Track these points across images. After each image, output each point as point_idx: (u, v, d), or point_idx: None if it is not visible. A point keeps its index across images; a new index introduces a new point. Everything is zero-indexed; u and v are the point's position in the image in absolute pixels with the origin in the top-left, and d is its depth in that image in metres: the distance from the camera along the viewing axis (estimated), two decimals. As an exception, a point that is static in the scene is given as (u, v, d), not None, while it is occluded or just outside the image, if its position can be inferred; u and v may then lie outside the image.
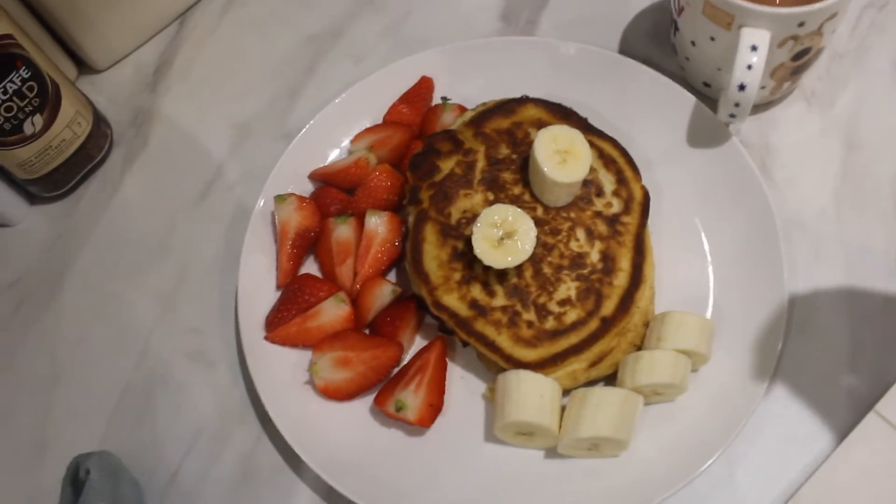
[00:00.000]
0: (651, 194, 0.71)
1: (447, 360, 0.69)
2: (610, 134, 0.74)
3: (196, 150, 0.83)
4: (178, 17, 0.90)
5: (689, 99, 0.75)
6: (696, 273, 0.71)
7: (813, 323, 0.70)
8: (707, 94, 0.78)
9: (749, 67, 0.68)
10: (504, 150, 0.71)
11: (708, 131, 0.74)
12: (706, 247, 0.72)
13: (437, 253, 0.68)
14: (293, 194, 0.73)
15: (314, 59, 0.86)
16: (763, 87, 0.75)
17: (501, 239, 0.64)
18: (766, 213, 0.70)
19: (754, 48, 0.68)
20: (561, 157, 0.66)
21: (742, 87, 0.68)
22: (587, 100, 0.77)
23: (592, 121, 0.74)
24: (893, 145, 0.76)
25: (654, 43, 0.82)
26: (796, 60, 0.72)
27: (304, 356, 0.70)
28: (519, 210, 0.65)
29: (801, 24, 0.68)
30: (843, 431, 0.66)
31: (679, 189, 0.74)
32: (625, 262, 0.68)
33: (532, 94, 0.75)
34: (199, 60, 0.88)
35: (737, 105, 0.70)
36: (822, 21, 0.69)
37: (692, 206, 0.73)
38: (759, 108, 0.79)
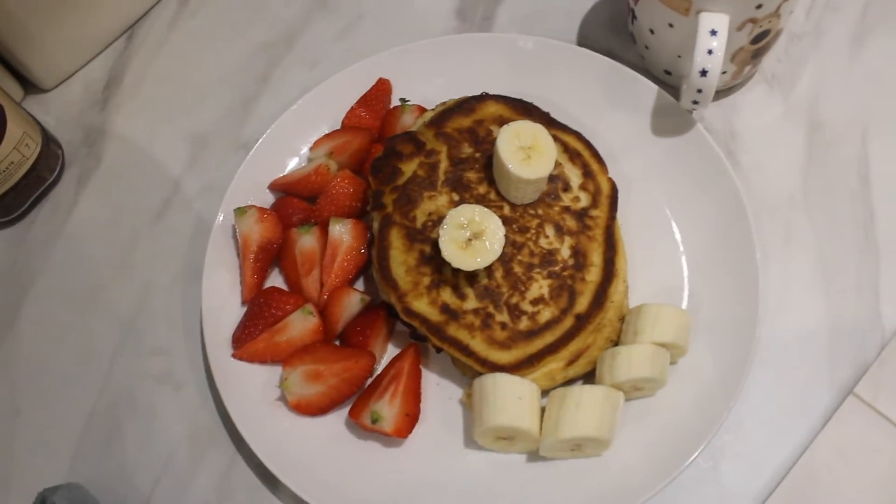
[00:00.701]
0: (618, 186, 0.70)
1: (421, 367, 0.68)
2: (573, 127, 0.72)
3: (151, 166, 0.81)
4: (125, 32, 0.88)
5: (651, 88, 0.74)
6: (669, 264, 0.70)
7: (788, 307, 0.69)
8: (668, 82, 0.77)
9: (710, 52, 0.67)
10: (467, 150, 0.69)
11: (671, 119, 0.73)
12: (677, 236, 0.71)
13: (405, 258, 0.66)
14: (253, 206, 0.71)
15: (268, 66, 0.84)
16: (724, 73, 0.74)
17: (469, 240, 0.63)
18: (736, 198, 0.69)
19: (714, 32, 0.67)
20: (525, 154, 0.65)
21: (704, 73, 0.67)
22: (548, 94, 0.75)
23: (554, 115, 0.73)
24: (856, 124, 0.76)
25: (613, 33, 0.81)
26: (756, 43, 0.72)
27: (275, 372, 0.68)
28: (486, 210, 0.63)
29: (759, 7, 0.67)
30: (826, 414, 0.66)
31: (646, 179, 0.73)
32: (596, 257, 0.66)
33: (492, 91, 0.74)
34: (149, 75, 0.86)
35: (699, 91, 0.69)
36: (780, 2, 0.68)
37: (660, 196, 0.72)
38: (720, 93, 0.78)
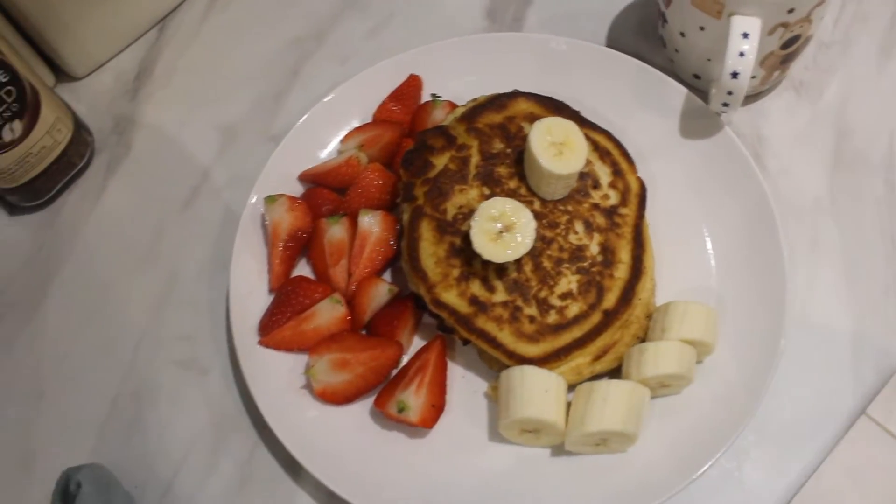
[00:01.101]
0: (649, 185, 0.70)
1: (447, 359, 0.68)
2: (607, 126, 0.73)
3: (181, 155, 0.81)
4: (157, 24, 0.89)
5: (680, 90, 0.75)
6: (696, 264, 0.70)
7: (814, 312, 0.69)
8: (697, 86, 0.78)
9: (741, 55, 0.68)
10: (498, 145, 0.70)
11: (700, 122, 0.74)
12: (705, 237, 0.71)
13: (434, 250, 0.66)
14: (284, 195, 0.72)
15: (298, 61, 0.85)
16: (753, 77, 0.75)
17: (500, 232, 0.63)
18: (764, 201, 0.69)
19: (745, 35, 0.68)
20: (557, 149, 0.65)
21: (735, 75, 0.68)
22: (578, 94, 0.76)
23: (584, 114, 0.73)
24: (883, 131, 0.77)
25: (642, 37, 0.82)
26: (786, 49, 0.72)
27: (300, 360, 0.68)
28: (517, 203, 0.64)
29: (791, 11, 0.68)
30: (850, 420, 0.66)
31: (674, 181, 0.73)
32: (624, 254, 0.67)
33: (522, 90, 0.74)
34: (180, 66, 0.86)
35: (729, 93, 0.69)
36: (812, 7, 0.69)
37: (688, 197, 0.73)
38: (748, 98, 0.78)
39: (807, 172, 0.75)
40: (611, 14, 0.84)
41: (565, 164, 0.65)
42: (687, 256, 0.71)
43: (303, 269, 0.73)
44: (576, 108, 0.73)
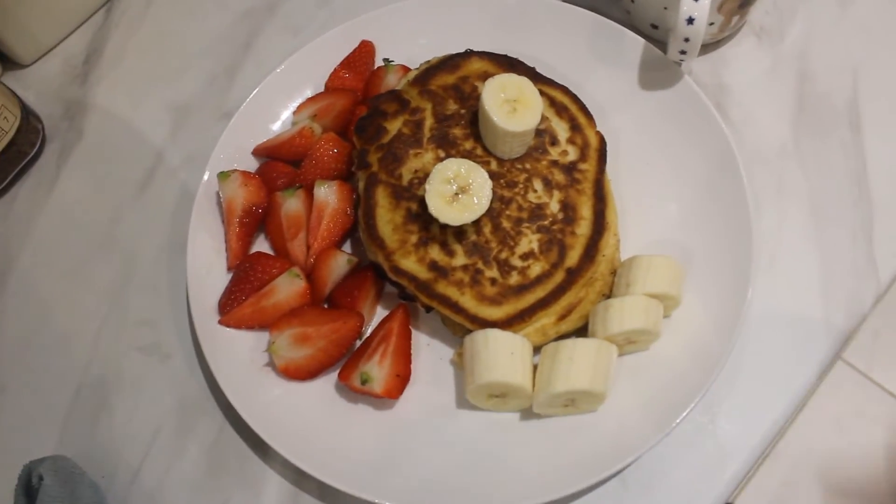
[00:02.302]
0: (607, 141, 0.69)
1: (411, 327, 0.66)
2: (565, 81, 0.71)
3: (134, 137, 0.80)
4: (104, 4, 0.87)
5: (637, 41, 0.73)
6: (661, 216, 0.69)
7: (782, 258, 0.68)
8: (655, 37, 0.76)
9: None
10: (452, 106, 0.68)
11: (659, 73, 0.72)
12: (669, 189, 0.70)
13: (391, 216, 0.65)
14: (237, 170, 0.70)
15: (251, 34, 0.83)
16: (712, 24, 0.73)
17: (456, 194, 0.62)
18: (727, 149, 0.68)
19: None
20: (511, 106, 0.64)
21: (691, 21, 0.66)
22: (534, 51, 0.74)
23: (540, 71, 0.71)
24: (846, 74, 0.75)
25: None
26: (742, -7, 0.70)
27: (263, 338, 0.67)
28: (472, 163, 0.62)
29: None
30: (822, 366, 0.65)
31: (635, 133, 0.72)
32: (586, 210, 0.65)
33: (477, 49, 0.73)
34: (130, 47, 0.84)
35: (686, 40, 0.67)
36: (767, -52, 0.67)
37: (650, 149, 0.71)
38: (709, 46, 0.77)
39: (770, 119, 0.73)
40: (566, -32, 0.82)
41: (520, 121, 0.64)
42: (651, 209, 0.69)
43: (262, 245, 0.72)
44: (532, 64, 0.72)
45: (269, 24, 0.83)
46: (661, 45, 0.74)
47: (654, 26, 0.76)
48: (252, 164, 0.73)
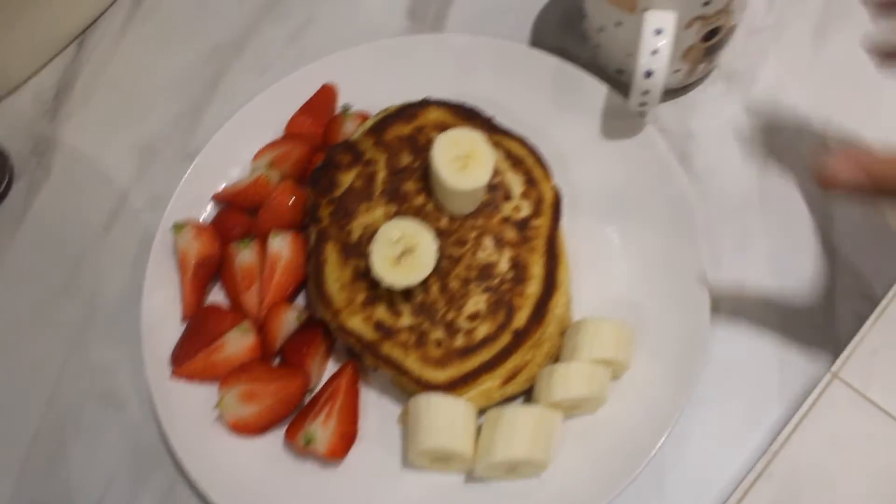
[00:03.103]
0: (566, 191, 0.68)
1: (360, 385, 0.66)
2: (522, 130, 0.70)
3: (100, 176, 0.80)
4: (76, 38, 0.87)
5: (601, 89, 0.72)
6: (616, 273, 0.68)
7: (740, 317, 0.67)
8: (622, 81, 0.74)
9: (654, 53, 0.64)
10: (406, 158, 0.67)
11: (622, 122, 0.71)
12: (626, 244, 0.68)
13: (340, 274, 0.64)
14: (190, 222, 0.70)
15: (217, 72, 0.83)
16: (677, 71, 0.72)
17: (400, 256, 0.61)
18: (685, 206, 0.67)
19: (659, 31, 0.65)
20: (461, 163, 0.63)
21: (649, 74, 0.65)
22: (496, 96, 0.73)
23: (502, 117, 0.71)
24: (815, 122, 0.73)
25: (567, 31, 0.79)
26: (707, 41, 0.69)
27: (216, 391, 0.66)
28: (417, 224, 0.61)
29: (707, 4, 0.65)
30: (775, 429, 0.63)
31: (596, 184, 0.71)
32: (537, 269, 0.64)
33: (441, 94, 0.72)
34: (100, 82, 0.84)
35: (646, 93, 0.66)
36: (729, -1, 0.65)
37: (610, 202, 0.70)
38: (676, 92, 0.75)
39: (736, 169, 0.72)
40: (535, 8, 0.81)
41: (470, 179, 0.63)
42: (607, 265, 0.68)
43: (218, 293, 0.71)
44: (495, 110, 0.71)
45: (236, 63, 0.83)
46: (627, 90, 0.72)
47: (620, 71, 0.74)
48: (212, 210, 0.73)
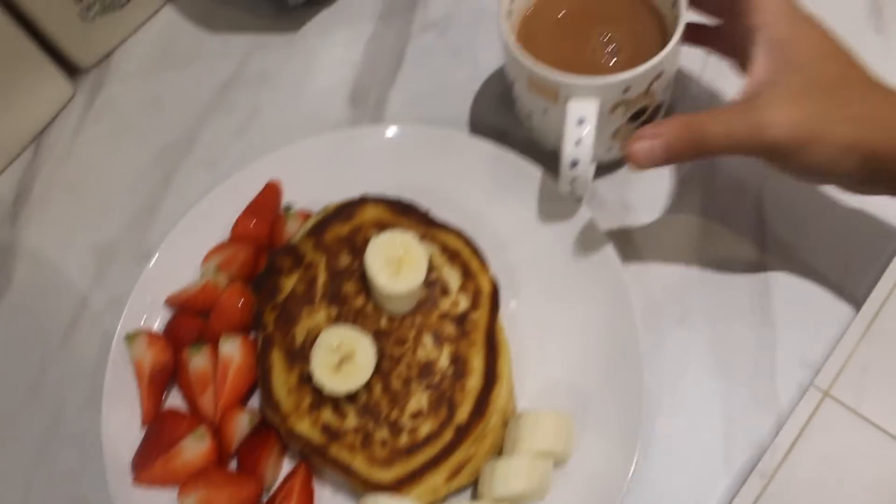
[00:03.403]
0: (506, 278, 0.69)
1: (314, 484, 0.67)
2: (461, 217, 0.72)
3: (61, 281, 0.82)
4: (32, 141, 0.88)
5: (535, 174, 0.73)
6: (557, 358, 0.69)
7: (682, 392, 0.68)
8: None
9: (578, 143, 0.66)
10: (345, 260, 0.69)
11: (558, 205, 0.72)
12: (565, 329, 0.69)
13: (286, 379, 0.66)
14: (142, 332, 0.71)
15: (169, 170, 0.84)
16: (610, 149, 0.73)
17: (340, 363, 0.62)
18: (621, 288, 0.68)
19: (582, 121, 0.66)
20: (394, 267, 0.64)
21: (575, 164, 0.66)
22: (435, 184, 0.75)
23: (442, 205, 0.72)
24: (751, 189, 0.74)
25: (506, 109, 0.80)
26: (634, 121, 0.70)
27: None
28: (355, 330, 0.63)
29: (627, 90, 0.66)
30: (722, 502, 0.64)
31: (534, 269, 0.72)
32: (477, 362, 0.66)
33: (382, 184, 0.74)
34: (57, 185, 0.86)
35: (574, 180, 0.67)
36: (650, 82, 0.66)
37: (548, 286, 0.71)
38: (613, 166, 0.76)
39: (675, 241, 0.73)
40: (474, 87, 0.82)
41: (404, 282, 0.65)
42: (548, 351, 0.69)
43: (177, 397, 0.73)
44: (434, 198, 0.73)
45: (186, 159, 0.84)
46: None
47: (554, 152, 0.75)
48: (168, 313, 0.75)
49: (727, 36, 0.67)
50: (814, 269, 0.70)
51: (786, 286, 0.70)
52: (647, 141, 0.60)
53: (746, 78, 0.61)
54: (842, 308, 0.69)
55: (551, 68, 0.65)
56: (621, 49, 0.70)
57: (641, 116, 0.70)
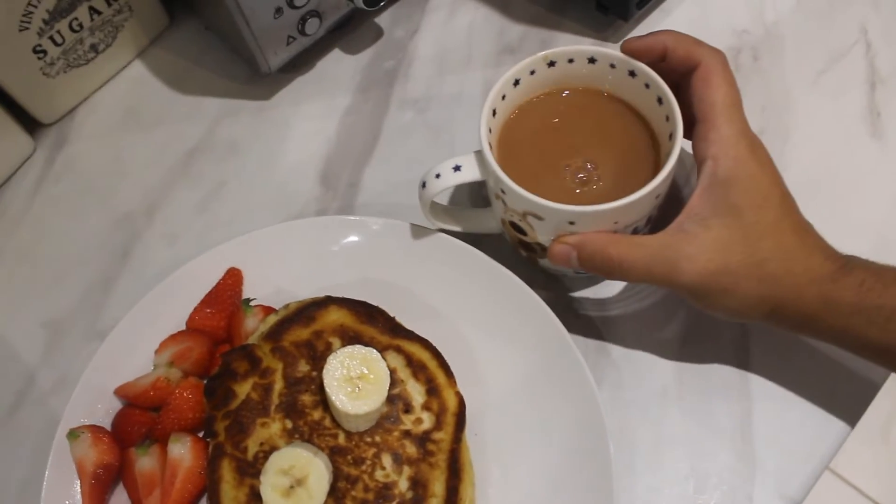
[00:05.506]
0: (474, 392, 0.66)
1: None
2: (428, 319, 0.69)
3: (7, 354, 0.78)
4: (-11, 197, 0.84)
5: (511, 279, 0.69)
6: (525, 483, 0.65)
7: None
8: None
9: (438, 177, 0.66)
10: (303, 368, 0.65)
11: (532, 316, 0.68)
12: (535, 450, 0.66)
13: (235, 493, 0.62)
14: (87, 429, 0.67)
15: (128, 241, 0.80)
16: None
17: (291, 487, 0.59)
18: (595, 413, 0.64)
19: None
20: (353, 385, 0.61)
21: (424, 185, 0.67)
22: (403, 281, 0.71)
23: (411, 309, 0.69)
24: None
25: (484, 200, 0.76)
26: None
27: None
28: (309, 452, 0.60)
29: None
30: None
31: (504, 382, 0.68)
32: (438, 486, 0.62)
33: (348, 277, 0.71)
34: (8, 250, 0.82)
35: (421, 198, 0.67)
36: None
37: (519, 403, 0.67)
38: (596, 279, 0.73)
39: (652, 357, 0.70)
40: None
41: (363, 403, 0.61)
42: (515, 474, 0.66)
43: (121, 495, 0.69)
44: (401, 297, 0.69)
45: (147, 231, 0.80)
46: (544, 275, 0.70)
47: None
48: (115, 404, 0.71)
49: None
50: (798, 396, 0.67)
51: (767, 412, 0.67)
52: (567, 248, 0.62)
53: (684, 207, 0.60)
54: (827, 438, 0.66)
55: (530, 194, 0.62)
56: (609, 171, 0.66)
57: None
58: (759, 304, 0.59)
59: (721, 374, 0.69)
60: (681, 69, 0.63)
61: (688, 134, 0.63)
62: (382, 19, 0.89)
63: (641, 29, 0.84)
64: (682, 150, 0.61)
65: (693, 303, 0.62)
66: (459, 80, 0.84)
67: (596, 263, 0.61)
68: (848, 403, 0.66)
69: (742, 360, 0.69)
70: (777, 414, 0.67)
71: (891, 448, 0.96)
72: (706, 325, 0.70)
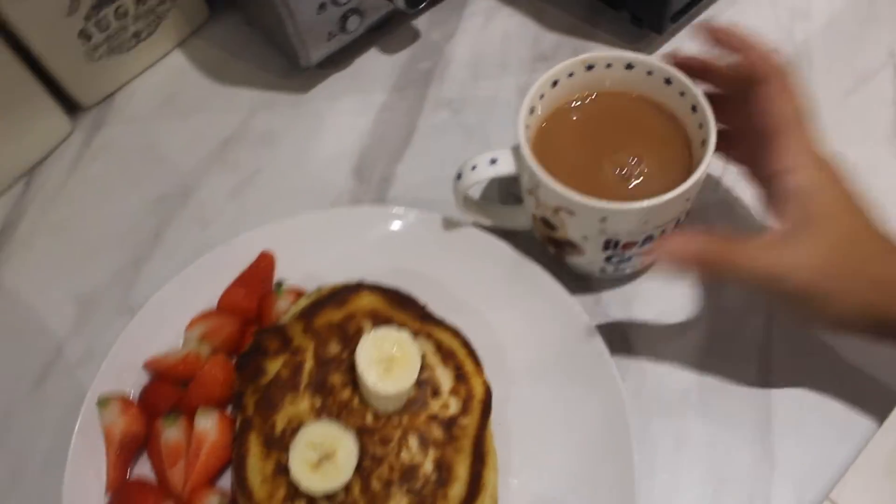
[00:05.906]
0: (500, 382, 0.67)
1: (278, 580, 0.64)
2: (459, 311, 0.70)
3: (37, 326, 0.79)
4: (24, 175, 0.86)
5: (540, 274, 0.71)
6: (546, 472, 0.67)
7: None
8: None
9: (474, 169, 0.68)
10: (334, 348, 0.66)
11: (560, 311, 0.70)
12: (557, 441, 0.67)
13: (262, 466, 0.63)
14: (116, 397, 0.69)
15: (162, 223, 0.82)
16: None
17: (320, 461, 0.60)
18: (619, 407, 0.66)
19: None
20: (385, 366, 0.62)
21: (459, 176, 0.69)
22: (434, 273, 0.73)
23: (441, 299, 0.70)
24: (758, 310, 0.72)
25: (514, 198, 0.78)
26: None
27: (133, 572, 0.65)
28: (338, 428, 0.61)
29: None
30: None
31: (530, 375, 0.69)
32: (462, 470, 0.63)
33: (380, 267, 0.72)
34: (44, 225, 0.83)
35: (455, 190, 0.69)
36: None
37: (544, 395, 0.69)
38: (623, 280, 0.74)
39: (676, 361, 0.71)
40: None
41: (394, 383, 0.62)
42: (536, 463, 0.67)
43: (145, 465, 0.70)
44: (432, 290, 0.70)
45: (180, 214, 0.82)
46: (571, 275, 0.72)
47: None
48: (143, 377, 0.72)
49: (744, 145, 0.66)
50: (820, 400, 0.68)
51: (788, 417, 0.68)
52: (681, 245, 0.58)
53: (772, 223, 0.60)
54: (848, 443, 0.67)
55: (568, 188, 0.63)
56: (643, 172, 0.68)
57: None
58: (864, 312, 0.57)
59: (743, 378, 0.70)
60: (741, 78, 0.63)
61: (738, 143, 0.64)
62: (420, 22, 0.91)
63: (674, 43, 0.86)
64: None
65: (790, 312, 0.62)
66: (494, 85, 0.86)
67: (709, 264, 0.58)
68: (869, 409, 0.67)
69: (764, 365, 0.70)
70: (798, 418, 0.68)
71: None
72: (730, 328, 0.71)
